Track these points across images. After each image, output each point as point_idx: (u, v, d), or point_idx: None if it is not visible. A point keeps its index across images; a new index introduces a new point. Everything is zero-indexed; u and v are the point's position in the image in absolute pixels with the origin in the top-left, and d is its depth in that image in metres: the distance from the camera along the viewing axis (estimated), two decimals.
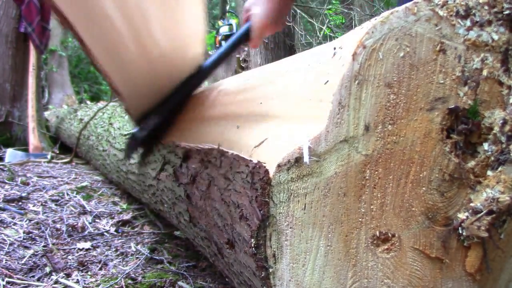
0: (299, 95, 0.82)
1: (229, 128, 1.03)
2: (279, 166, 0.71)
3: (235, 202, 0.84)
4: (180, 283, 1.53)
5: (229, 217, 0.88)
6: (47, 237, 1.94)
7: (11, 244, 1.80)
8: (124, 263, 1.73)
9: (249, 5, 1.54)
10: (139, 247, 1.90)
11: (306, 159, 0.69)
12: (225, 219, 0.91)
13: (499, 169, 0.76)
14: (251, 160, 0.80)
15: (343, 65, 0.71)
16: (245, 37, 1.50)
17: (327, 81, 0.73)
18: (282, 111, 0.85)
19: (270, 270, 0.73)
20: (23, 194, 2.57)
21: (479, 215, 0.75)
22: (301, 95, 0.81)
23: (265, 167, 0.73)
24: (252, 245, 0.74)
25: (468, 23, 0.74)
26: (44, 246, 1.84)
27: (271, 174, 0.71)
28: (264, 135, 0.83)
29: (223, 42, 2.83)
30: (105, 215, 2.34)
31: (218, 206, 0.94)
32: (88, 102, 8.05)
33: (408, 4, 0.71)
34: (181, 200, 1.25)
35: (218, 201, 0.94)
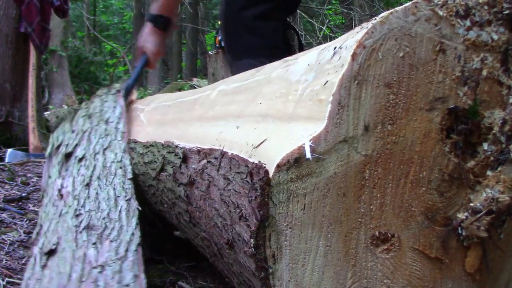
0: (298, 95, 0.82)
1: (228, 128, 1.03)
2: (278, 166, 0.71)
3: (234, 202, 0.84)
4: (180, 283, 1.53)
5: (229, 217, 0.88)
6: None
7: (11, 244, 1.80)
8: None
9: (141, 44, 2.38)
10: None
11: (308, 155, 0.69)
12: (224, 220, 0.91)
13: (499, 169, 0.76)
14: (250, 161, 0.80)
15: (342, 65, 0.71)
16: (145, 64, 2.39)
17: (327, 81, 0.73)
18: (281, 111, 0.85)
19: (270, 270, 0.73)
20: (23, 194, 2.57)
21: (478, 215, 0.75)
22: (301, 95, 0.81)
23: (264, 167, 0.73)
24: (252, 245, 0.74)
25: (467, 23, 0.73)
26: None
27: (270, 175, 0.71)
28: (263, 135, 0.83)
29: (223, 42, 2.86)
30: None
31: (218, 206, 0.94)
32: None
33: (407, 4, 0.71)
34: (181, 200, 1.25)
35: (217, 202, 0.95)
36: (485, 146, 0.76)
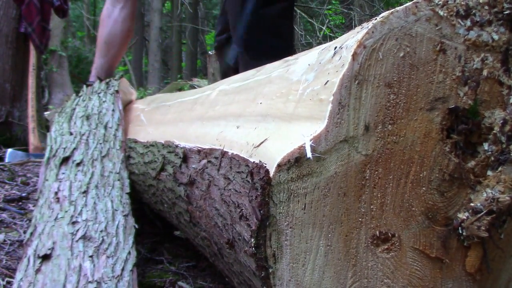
0: (299, 95, 0.82)
1: (229, 128, 1.03)
2: (279, 166, 0.71)
3: (235, 202, 0.84)
4: (180, 283, 1.53)
5: (229, 217, 0.88)
6: None
7: (11, 244, 1.80)
8: None
9: None
10: (138, 247, 1.90)
11: (309, 154, 0.69)
12: (225, 219, 0.91)
13: (499, 169, 0.76)
14: (251, 160, 0.80)
15: (343, 65, 0.71)
16: None
17: (327, 81, 0.73)
18: (282, 111, 0.85)
19: (270, 270, 0.73)
20: (23, 194, 2.56)
21: (479, 215, 0.75)
22: (301, 95, 0.81)
23: (265, 167, 0.73)
24: (252, 245, 0.74)
25: (468, 23, 0.74)
26: None
27: (271, 174, 0.71)
28: (264, 135, 0.83)
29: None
30: None
31: (218, 206, 0.94)
32: None
33: (408, 4, 0.71)
34: (181, 200, 1.25)
35: (218, 201, 0.95)
36: (486, 146, 0.76)
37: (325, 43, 0.95)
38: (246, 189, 0.79)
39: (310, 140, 0.70)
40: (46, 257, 1.17)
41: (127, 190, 1.54)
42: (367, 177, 0.73)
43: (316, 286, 0.74)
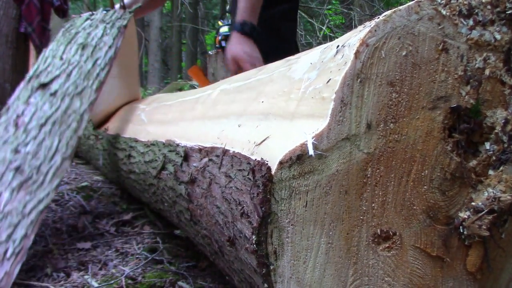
0: (301, 93, 0.82)
1: (230, 127, 1.03)
2: (281, 163, 0.71)
3: (236, 199, 0.84)
4: (180, 283, 1.52)
5: (230, 214, 0.88)
6: (47, 237, 1.94)
7: None
8: (124, 263, 1.73)
9: (230, 55, 1.94)
10: (139, 247, 1.90)
11: (311, 152, 0.69)
12: (226, 217, 0.91)
13: (501, 168, 0.76)
14: (252, 158, 0.80)
15: (345, 63, 0.71)
16: None
17: (330, 79, 0.74)
18: (284, 109, 0.85)
19: (271, 267, 0.73)
20: None
21: (480, 214, 0.75)
22: (303, 93, 0.81)
23: (267, 164, 0.74)
24: (253, 242, 0.75)
25: (470, 22, 0.74)
26: (44, 246, 1.83)
27: (272, 172, 0.71)
28: (265, 133, 0.83)
29: (223, 42, 2.83)
30: (105, 215, 2.34)
31: (219, 203, 0.94)
32: None
33: (411, 3, 0.72)
34: (181, 199, 1.25)
35: (219, 199, 0.95)
36: (487, 145, 0.76)
37: (325, 43, 0.95)
38: (248, 187, 0.79)
39: (312, 138, 0.70)
40: None
41: (80, 133, 1.58)
42: (368, 175, 0.73)
43: (317, 284, 0.74)
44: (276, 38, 2.19)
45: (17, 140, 1.41)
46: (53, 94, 1.62)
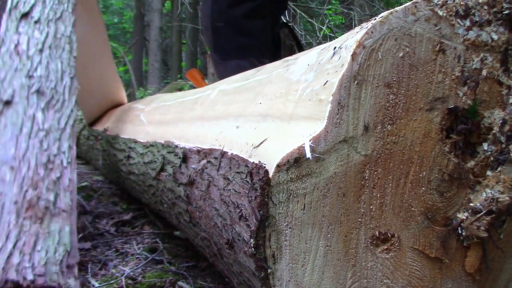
0: (298, 95, 0.82)
1: (229, 128, 1.03)
2: (278, 166, 0.71)
3: (234, 202, 0.84)
4: (180, 283, 1.53)
5: (229, 217, 0.88)
6: None
7: None
8: (124, 263, 1.73)
9: None
10: (139, 247, 1.90)
11: (308, 155, 0.69)
12: (224, 219, 0.91)
13: (499, 169, 0.76)
14: (250, 161, 0.80)
15: (342, 65, 0.71)
16: None
17: (327, 81, 0.73)
18: (281, 111, 0.85)
19: (270, 270, 0.73)
20: None
21: (478, 215, 0.75)
22: (301, 95, 0.81)
23: (264, 167, 0.73)
24: (252, 245, 0.74)
25: (467, 23, 0.74)
26: None
27: (270, 175, 0.71)
28: (263, 135, 0.83)
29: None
30: (105, 215, 2.34)
31: (218, 206, 0.94)
32: None
33: (407, 4, 0.71)
34: (180, 200, 1.25)
35: (217, 201, 0.95)
36: (485, 146, 0.76)
37: (325, 43, 0.95)
38: (246, 190, 0.79)
39: (310, 141, 0.70)
40: (8, 103, 1.37)
41: (75, 53, 1.68)
42: (366, 178, 0.73)
43: (315, 287, 0.74)
44: (243, 36, 2.25)
45: (25, 67, 1.51)
46: (37, 21, 1.71)
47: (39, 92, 1.43)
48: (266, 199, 0.72)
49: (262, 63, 2.28)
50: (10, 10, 1.75)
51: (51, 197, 1.21)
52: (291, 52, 2.16)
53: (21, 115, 1.33)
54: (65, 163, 1.30)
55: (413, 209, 0.76)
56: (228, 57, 2.27)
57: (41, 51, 1.58)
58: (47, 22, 1.71)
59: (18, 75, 1.47)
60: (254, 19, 2.25)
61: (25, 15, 1.70)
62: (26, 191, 1.20)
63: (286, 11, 6.52)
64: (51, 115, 1.38)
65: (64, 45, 1.66)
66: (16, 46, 1.58)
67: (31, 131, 1.30)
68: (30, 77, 1.47)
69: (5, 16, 1.73)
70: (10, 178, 1.22)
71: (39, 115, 1.36)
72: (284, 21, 2.77)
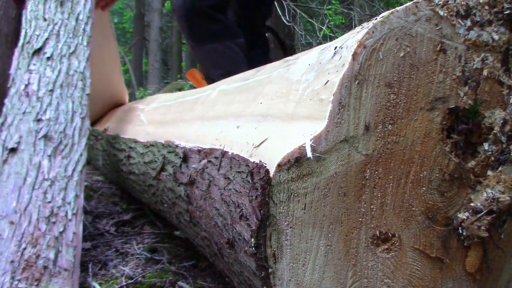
0: (299, 95, 0.82)
1: (229, 128, 1.03)
2: (279, 166, 0.71)
3: (235, 202, 0.84)
4: (180, 283, 1.53)
5: (229, 217, 0.88)
6: None
7: None
8: (124, 263, 1.73)
9: None
10: (139, 247, 1.90)
11: (309, 154, 0.69)
12: (225, 219, 0.91)
13: (499, 169, 0.76)
14: (251, 160, 0.80)
15: (343, 65, 0.71)
16: None
17: (327, 80, 0.73)
18: (282, 111, 0.85)
19: (270, 269, 0.73)
20: None
21: (479, 215, 0.75)
22: (302, 95, 0.81)
23: (265, 167, 0.73)
24: (252, 244, 0.74)
25: (468, 23, 0.74)
26: None
27: (271, 174, 0.71)
28: (264, 135, 0.83)
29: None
30: (105, 215, 2.34)
31: (218, 206, 0.94)
32: None
33: (408, 4, 0.71)
34: (181, 200, 1.25)
35: (218, 201, 0.95)
36: (486, 146, 0.76)
37: (325, 43, 0.95)
38: (246, 189, 0.79)
39: (310, 140, 0.70)
40: (13, 150, 1.33)
41: (88, 91, 1.65)
42: (367, 177, 0.73)
43: (316, 286, 0.74)
44: (213, 23, 2.42)
45: (34, 110, 1.47)
46: (50, 57, 1.68)
47: (46, 137, 1.39)
48: (266, 199, 0.72)
49: (237, 44, 2.45)
50: (22, 45, 1.71)
51: (52, 255, 1.16)
52: (291, 52, 2.20)
53: (26, 164, 1.29)
54: (69, 215, 1.25)
55: (413, 209, 0.76)
56: (203, 42, 2.44)
57: (51, 91, 1.55)
58: (60, 58, 1.68)
59: (26, 118, 1.43)
60: (221, 9, 2.44)
61: (37, 51, 1.67)
62: (25, 248, 1.15)
63: (286, 11, 6.52)
64: (58, 162, 1.34)
65: (76, 82, 1.63)
66: (26, 86, 1.55)
67: (35, 181, 1.26)
68: (38, 120, 1.43)
69: (17, 52, 1.70)
70: (9, 234, 1.17)
71: (45, 162, 1.31)
72: (268, 25, 2.99)
